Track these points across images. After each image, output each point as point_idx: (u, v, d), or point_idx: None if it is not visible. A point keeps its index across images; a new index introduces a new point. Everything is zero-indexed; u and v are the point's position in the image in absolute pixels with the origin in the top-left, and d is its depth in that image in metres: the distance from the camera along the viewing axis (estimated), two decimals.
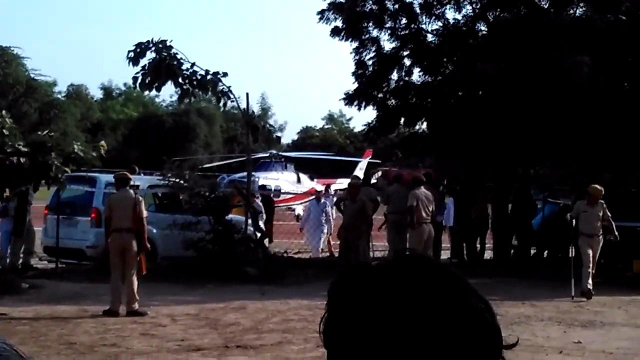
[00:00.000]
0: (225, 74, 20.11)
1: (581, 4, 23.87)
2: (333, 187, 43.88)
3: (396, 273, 1.48)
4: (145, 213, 15.55)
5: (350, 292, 1.48)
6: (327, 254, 25.99)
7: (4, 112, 18.38)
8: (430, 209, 19.83)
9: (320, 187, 44.03)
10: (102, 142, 19.74)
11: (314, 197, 28.14)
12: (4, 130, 17.17)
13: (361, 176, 40.05)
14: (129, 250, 15.23)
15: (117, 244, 15.34)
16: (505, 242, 24.69)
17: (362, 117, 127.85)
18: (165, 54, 19.45)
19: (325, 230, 26.44)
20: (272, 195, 29.47)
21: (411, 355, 1.42)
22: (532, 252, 25.39)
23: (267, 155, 47.61)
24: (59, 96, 76.49)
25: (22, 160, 16.86)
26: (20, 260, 20.07)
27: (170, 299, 16.81)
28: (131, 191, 15.76)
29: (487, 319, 1.48)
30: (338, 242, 26.26)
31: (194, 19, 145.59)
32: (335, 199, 27.85)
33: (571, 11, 23.78)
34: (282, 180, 42.62)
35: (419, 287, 1.45)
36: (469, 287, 1.50)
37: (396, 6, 24.39)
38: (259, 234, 21.42)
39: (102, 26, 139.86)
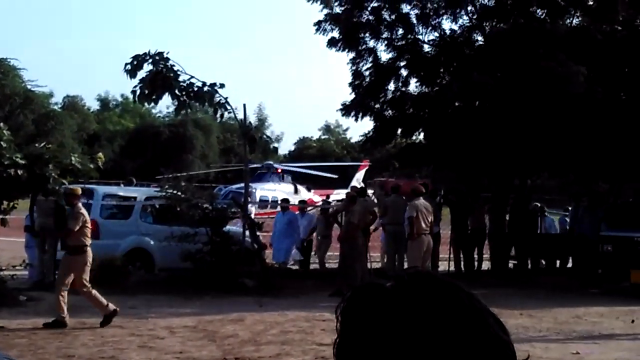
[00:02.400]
0: (222, 85, 20.13)
1: (577, 14, 23.92)
2: (332, 198, 43.90)
3: (409, 294, 1.48)
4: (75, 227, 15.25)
5: (363, 313, 1.48)
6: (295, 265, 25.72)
7: (1, 124, 18.35)
8: (430, 219, 19.82)
9: (317, 198, 44.11)
10: (100, 154, 19.67)
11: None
12: (2, 143, 17.12)
13: (358, 186, 40.14)
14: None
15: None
16: (503, 253, 24.70)
17: (359, 128, 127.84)
18: (162, 65, 19.45)
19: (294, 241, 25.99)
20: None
21: None
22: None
23: (260, 166, 47.58)
24: (56, 107, 76.66)
25: (20, 172, 16.82)
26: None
27: (168, 311, 16.78)
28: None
29: (502, 337, 1.49)
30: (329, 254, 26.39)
31: (191, 29, 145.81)
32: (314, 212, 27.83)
33: (567, 21, 23.83)
34: (279, 191, 42.61)
35: (432, 308, 1.45)
36: (481, 305, 1.51)
37: (393, 17, 24.43)
38: (256, 246, 21.38)
39: (98, 37, 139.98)
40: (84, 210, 15.60)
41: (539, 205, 27.46)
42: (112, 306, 15.05)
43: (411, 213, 19.47)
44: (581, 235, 23.14)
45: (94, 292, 15.14)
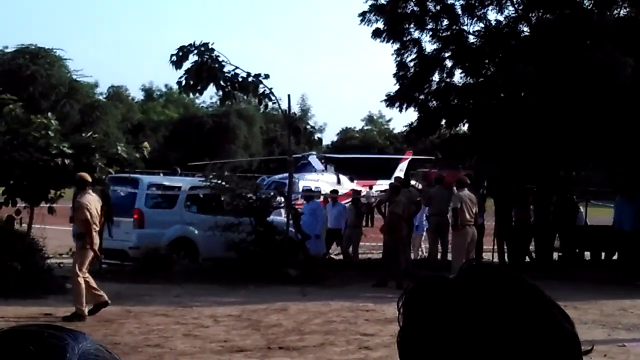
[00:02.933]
0: (267, 76, 20.18)
1: (625, 5, 23.68)
2: (374, 189, 43.87)
3: (473, 286, 1.47)
4: (88, 215, 14.81)
5: (427, 306, 1.48)
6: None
7: (49, 114, 18.54)
8: (474, 211, 19.73)
9: (360, 188, 44.04)
10: (146, 144, 19.83)
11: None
12: (49, 132, 17.30)
13: (402, 176, 40.07)
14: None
15: None
16: (548, 244, 24.55)
17: (401, 119, 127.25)
18: (207, 56, 19.54)
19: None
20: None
21: None
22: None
23: (313, 155, 47.57)
24: (100, 97, 77.21)
25: (67, 161, 16.98)
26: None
27: (212, 300, 16.87)
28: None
29: (567, 329, 1.48)
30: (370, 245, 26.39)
31: (235, 19, 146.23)
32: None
33: (615, 12, 23.59)
34: (322, 181, 42.61)
35: (497, 299, 1.44)
36: (546, 297, 1.50)
37: (438, 7, 24.33)
38: (300, 236, 21.44)
39: (142, 27, 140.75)
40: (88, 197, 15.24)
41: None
42: (104, 297, 14.88)
43: (455, 204, 19.38)
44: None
45: (86, 283, 14.86)
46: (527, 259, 24.69)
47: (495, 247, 24.96)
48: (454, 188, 20.65)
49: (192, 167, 41.08)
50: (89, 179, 15.45)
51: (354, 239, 24.47)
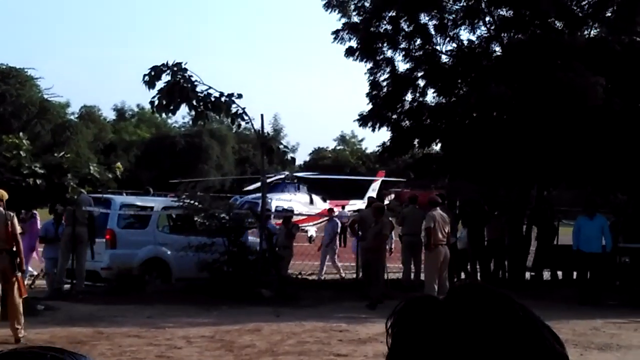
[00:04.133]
0: (239, 96, 20.18)
1: (596, 25, 23.83)
2: (347, 209, 43.92)
3: (463, 306, 1.46)
4: (18, 229, 14.51)
5: (417, 326, 1.46)
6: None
7: (21, 134, 18.47)
8: (446, 230, 19.74)
9: (333, 208, 43.98)
10: (119, 164, 19.81)
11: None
12: (21, 152, 17.23)
13: (374, 196, 40.13)
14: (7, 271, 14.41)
15: None
16: (520, 264, 24.61)
17: (374, 138, 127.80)
18: (180, 76, 19.51)
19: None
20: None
21: None
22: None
23: (283, 176, 47.66)
24: (72, 117, 77.05)
25: (39, 182, 16.91)
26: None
27: (185, 320, 16.77)
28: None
29: (557, 350, 1.47)
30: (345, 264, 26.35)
31: (207, 39, 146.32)
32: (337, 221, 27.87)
33: (586, 32, 23.74)
34: (294, 201, 42.64)
35: (487, 320, 1.43)
36: (535, 317, 1.49)
37: (411, 27, 24.37)
38: (272, 256, 21.38)
39: (114, 47, 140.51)
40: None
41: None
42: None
43: (429, 223, 19.37)
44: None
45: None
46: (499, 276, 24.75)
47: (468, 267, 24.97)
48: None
49: (167, 186, 40.98)
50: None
51: (286, 259, 23.62)
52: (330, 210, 29.98)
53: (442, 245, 19.38)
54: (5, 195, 14.76)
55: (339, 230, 27.29)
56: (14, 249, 14.29)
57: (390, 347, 1.49)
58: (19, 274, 14.43)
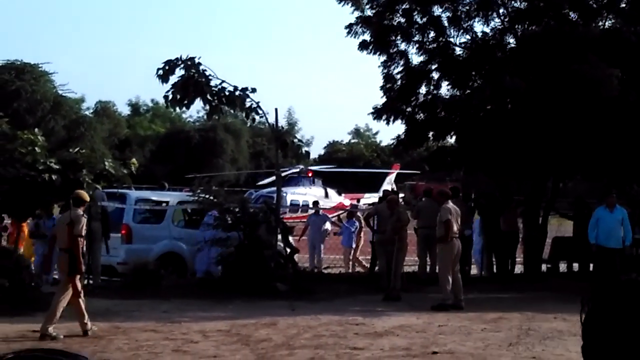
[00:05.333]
0: (253, 90, 20.16)
1: (610, 16, 23.73)
2: (361, 202, 43.92)
3: None
4: (82, 232, 14.81)
5: (624, 306, 1.47)
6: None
7: (36, 129, 18.51)
8: (459, 223, 19.68)
9: (348, 202, 44.03)
10: (134, 160, 19.83)
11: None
12: (36, 148, 17.28)
13: (389, 189, 40.09)
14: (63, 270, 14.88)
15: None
16: (536, 256, 24.58)
17: (388, 131, 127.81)
18: (193, 70, 19.51)
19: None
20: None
21: None
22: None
23: (297, 170, 47.68)
24: (87, 112, 77.22)
25: (54, 177, 16.95)
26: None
27: (201, 315, 16.80)
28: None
29: None
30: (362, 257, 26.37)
31: (221, 33, 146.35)
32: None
33: (600, 23, 23.64)
34: (309, 195, 42.65)
35: None
36: None
37: (424, 19, 24.31)
38: (288, 250, 21.39)
39: (129, 42, 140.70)
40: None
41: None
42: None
43: (446, 216, 19.25)
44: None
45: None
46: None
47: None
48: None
49: (182, 181, 41.05)
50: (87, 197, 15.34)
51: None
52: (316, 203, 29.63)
53: (456, 238, 19.33)
54: (86, 197, 15.36)
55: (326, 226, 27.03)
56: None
57: (588, 327, 1.50)
58: (77, 276, 14.71)
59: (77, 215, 14.74)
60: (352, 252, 26.41)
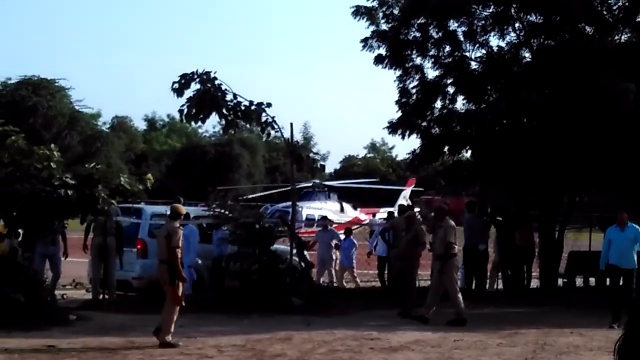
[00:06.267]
0: (269, 105, 20.15)
1: (626, 31, 23.68)
2: (377, 216, 43.82)
3: None
4: (179, 243, 15.34)
5: None
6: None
7: (52, 145, 18.55)
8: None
9: (364, 217, 43.99)
10: (149, 175, 19.83)
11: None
12: (52, 164, 17.31)
13: (405, 204, 40.04)
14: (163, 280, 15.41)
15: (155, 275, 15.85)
16: (553, 271, 24.50)
17: (404, 146, 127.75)
18: (209, 85, 19.52)
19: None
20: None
21: None
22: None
23: (310, 185, 47.71)
24: (104, 127, 77.48)
25: (70, 192, 16.98)
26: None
27: (216, 329, 16.78)
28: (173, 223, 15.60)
29: None
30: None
31: (235, 46, 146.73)
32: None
33: (616, 37, 23.59)
34: (325, 209, 42.65)
35: None
36: None
37: (440, 34, 24.31)
38: (303, 264, 21.35)
39: (145, 58, 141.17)
40: None
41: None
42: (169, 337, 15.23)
43: (450, 237, 19.07)
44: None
45: None
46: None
47: (499, 274, 24.89)
48: (446, 217, 20.14)
49: (198, 195, 41.05)
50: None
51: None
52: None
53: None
54: (182, 210, 16.22)
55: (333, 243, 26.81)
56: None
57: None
58: (178, 284, 15.28)
59: (173, 228, 15.36)
60: (351, 270, 26.33)
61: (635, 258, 18.82)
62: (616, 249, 18.82)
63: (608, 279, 20.82)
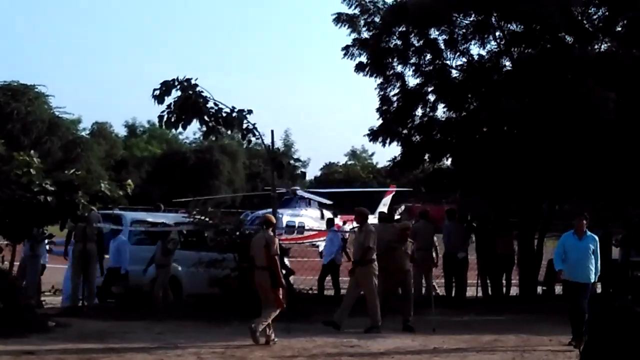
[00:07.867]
0: (250, 112, 20.08)
1: (606, 39, 23.80)
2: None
3: None
4: (277, 250, 16.30)
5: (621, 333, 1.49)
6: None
7: (32, 151, 18.46)
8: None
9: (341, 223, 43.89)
10: (129, 181, 19.77)
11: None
12: (31, 170, 17.23)
13: (385, 211, 40.06)
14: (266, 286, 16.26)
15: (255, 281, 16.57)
16: (532, 279, 24.56)
17: (384, 153, 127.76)
18: (190, 92, 19.46)
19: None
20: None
21: None
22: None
23: (284, 191, 47.59)
24: (84, 133, 77.21)
25: (49, 199, 16.91)
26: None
27: (196, 337, 16.72)
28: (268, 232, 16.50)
29: None
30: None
31: (217, 54, 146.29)
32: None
33: (596, 46, 23.70)
34: (306, 216, 42.63)
35: None
36: None
37: (421, 42, 24.36)
38: (284, 271, 21.31)
39: (124, 64, 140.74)
40: None
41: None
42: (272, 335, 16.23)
43: (372, 238, 18.77)
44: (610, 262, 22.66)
45: None
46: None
47: (479, 281, 24.95)
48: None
49: (175, 203, 41.00)
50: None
51: (159, 280, 20.92)
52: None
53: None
54: (273, 220, 17.22)
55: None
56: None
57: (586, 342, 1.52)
58: (280, 289, 16.30)
59: (270, 237, 16.35)
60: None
61: (593, 271, 16.74)
62: (570, 260, 16.71)
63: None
